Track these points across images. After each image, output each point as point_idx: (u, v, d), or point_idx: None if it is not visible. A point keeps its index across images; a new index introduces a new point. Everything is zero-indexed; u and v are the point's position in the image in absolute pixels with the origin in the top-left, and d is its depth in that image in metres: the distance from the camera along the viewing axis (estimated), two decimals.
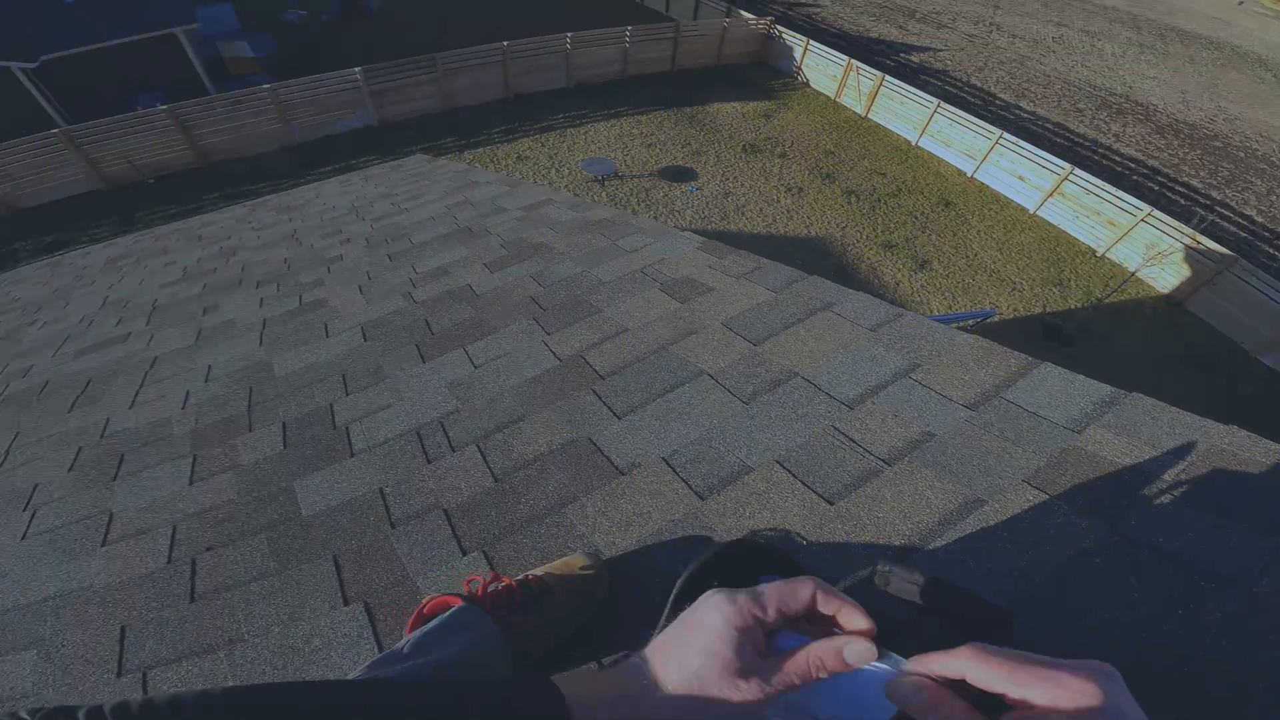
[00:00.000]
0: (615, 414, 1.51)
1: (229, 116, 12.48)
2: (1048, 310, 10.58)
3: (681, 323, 1.81)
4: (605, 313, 1.95)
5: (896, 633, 0.73)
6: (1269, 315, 10.00)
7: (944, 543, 1.12)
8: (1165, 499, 1.16)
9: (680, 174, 12.78)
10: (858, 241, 11.54)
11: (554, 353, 1.81)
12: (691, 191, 12.28)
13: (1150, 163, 16.38)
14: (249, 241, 3.96)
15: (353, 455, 1.60)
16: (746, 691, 0.48)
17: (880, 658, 0.50)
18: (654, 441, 1.41)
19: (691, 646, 0.51)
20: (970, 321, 8.08)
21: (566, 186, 11.97)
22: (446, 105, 14.55)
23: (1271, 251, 13.66)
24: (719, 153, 13.67)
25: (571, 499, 1.32)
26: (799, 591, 0.52)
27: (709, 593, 0.54)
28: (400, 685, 0.52)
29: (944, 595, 0.74)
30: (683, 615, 0.55)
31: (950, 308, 10.30)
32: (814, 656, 0.49)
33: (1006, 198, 13.38)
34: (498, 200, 3.43)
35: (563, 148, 13.32)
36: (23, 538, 1.61)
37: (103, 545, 1.51)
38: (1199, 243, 10.62)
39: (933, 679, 0.46)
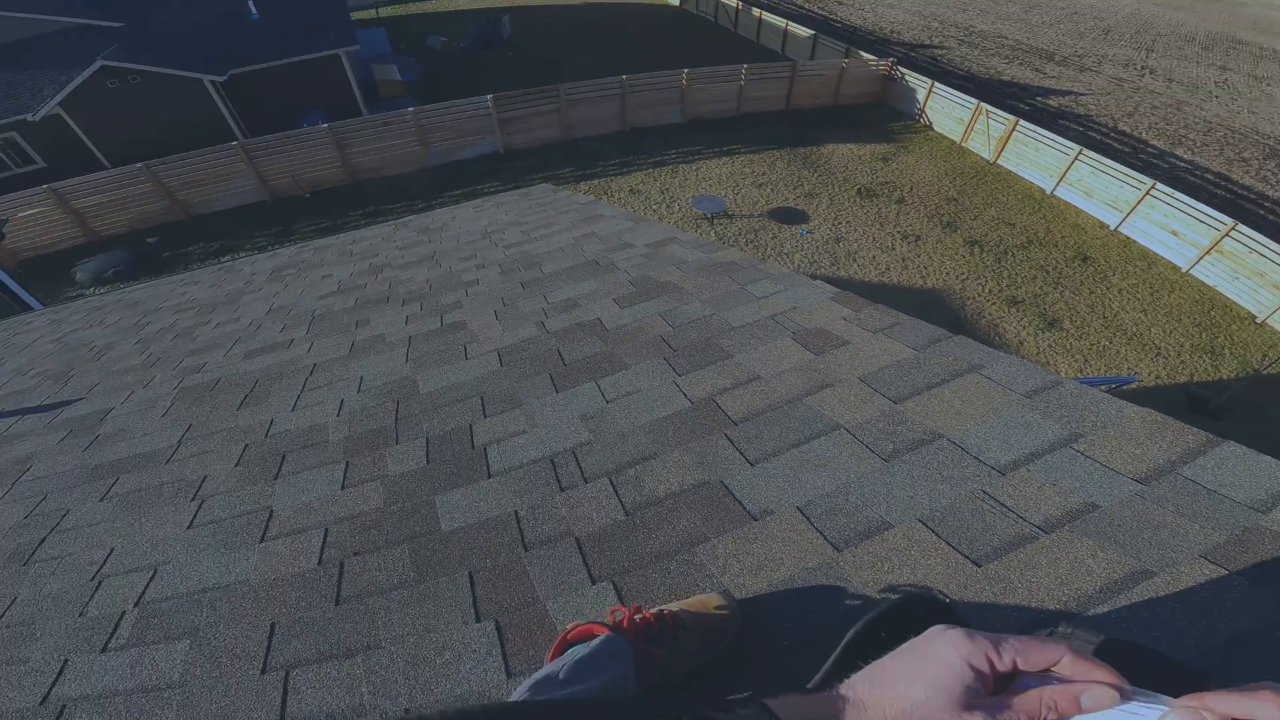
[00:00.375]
0: (748, 460, 1.52)
1: (378, 137, 13.76)
2: (1195, 379, 9.56)
3: (816, 374, 1.80)
4: (736, 358, 1.98)
5: None
6: None
7: (1106, 610, 1.06)
8: None
9: (791, 215, 12.65)
10: (978, 295, 10.89)
11: (685, 394, 1.85)
12: (801, 235, 12.09)
13: None
14: (394, 260, 4.32)
15: (490, 476, 1.68)
16: None
17: (1133, 698, 0.47)
18: (787, 490, 1.41)
19: (918, 677, 0.50)
20: (1105, 387, 7.38)
21: (675, 222, 12.18)
22: (566, 135, 15.32)
23: None
24: (832, 195, 13.43)
25: (702, 539, 1.34)
26: (1048, 651, 0.50)
27: (940, 627, 0.53)
28: (622, 703, 0.55)
29: (1131, 657, 0.69)
30: (908, 645, 0.54)
31: (1082, 371, 9.51)
32: (1047, 697, 0.47)
33: (1155, 254, 12.27)
34: (623, 235, 3.57)
35: (674, 183, 13.60)
36: (189, 527, 1.77)
37: (261, 541, 1.64)
38: None
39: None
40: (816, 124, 16.50)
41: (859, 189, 13.68)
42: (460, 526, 1.51)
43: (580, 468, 1.64)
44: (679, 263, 2.93)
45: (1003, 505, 1.28)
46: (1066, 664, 0.49)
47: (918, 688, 0.49)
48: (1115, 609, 1.06)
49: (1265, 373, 9.50)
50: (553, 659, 0.95)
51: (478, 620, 1.23)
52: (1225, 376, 9.63)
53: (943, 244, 12.12)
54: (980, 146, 15.41)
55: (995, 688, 0.50)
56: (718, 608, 1.12)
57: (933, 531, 1.25)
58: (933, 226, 12.62)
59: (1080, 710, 0.47)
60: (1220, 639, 0.97)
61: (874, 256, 11.63)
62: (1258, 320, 10.76)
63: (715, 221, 12.30)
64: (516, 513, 1.52)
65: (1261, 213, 14.22)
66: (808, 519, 1.33)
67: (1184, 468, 1.30)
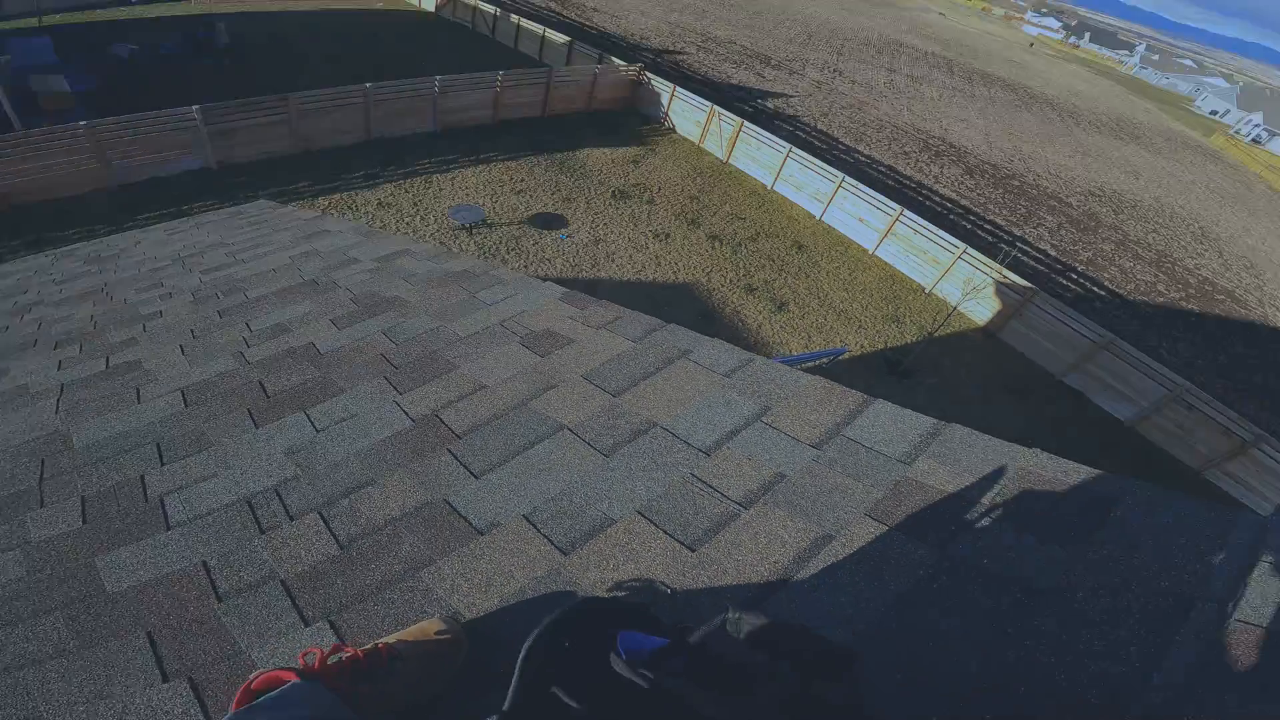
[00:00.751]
0: (473, 473, 1.44)
1: (36, 154, 10.95)
2: (889, 346, 11.62)
3: (541, 377, 1.78)
4: (462, 369, 1.88)
5: (754, 676, 0.74)
6: (1067, 342, 11.64)
7: (801, 579, 1.17)
8: (986, 521, 1.28)
9: (551, 221, 12.83)
10: (722, 285, 12.08)
11: (406, 413, 1.70)
12: (562, 239, 12.33)
13: (963, 202, 18.80)
14: (49, 296, 3.45)
15: (169, 529, 1.42)
16: None
17: None
18: (514, 499, 1.36)
19: None
20: (824, 360, 8.69)
21: (433, 235, 11.62)
22: (300, 147, 13.68)
23: (1064, 282, 16.08)
24: (589, 199, 13.91)
25: (427, 562, 1.24)
26: None
27: None
28: None
29: (788, 638, 0.75)
30: None
31: (806, 347, 11.01)
32: None
33: (849, 239, 14.60)
34: (349, 251, 3.25)
35: (428, 194, 12.95)
36: None
37: None
38: (1005, 277, 12.19)
39: None
40: (572, 129, 16.92)
41: (613, 191, 14.34)
42: (131, 586, 1.28)
43: (285, 505, 1.43)
44: (408, 276, 2.73)
45: (709, 486, 1.36)
46: None
47: None
48: (807, 578, 1.17)
49: (936, 334, 11.84)
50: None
51: (165, 680, 1.08)
52: (909, 341, 11.83)
53: (689, 240, 13.24)
54: (715, 147, 17.08)
55: None
56: (439, 633, 1.04)
57: (651, 522, 1.28)
58: (680, 224, 13.72)
59: None
60: (891, 598, 1.12)
61: (631, 256, 12.30)
62: (926, 291, 13.43)
63: (475, 231, 11.98)
64: (205, 563, 1.30)
65: (920, 199, 17.85)
66: (535, 526, 1.29)
67: (846, 429, 1.51)
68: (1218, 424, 10.36)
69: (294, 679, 0.85)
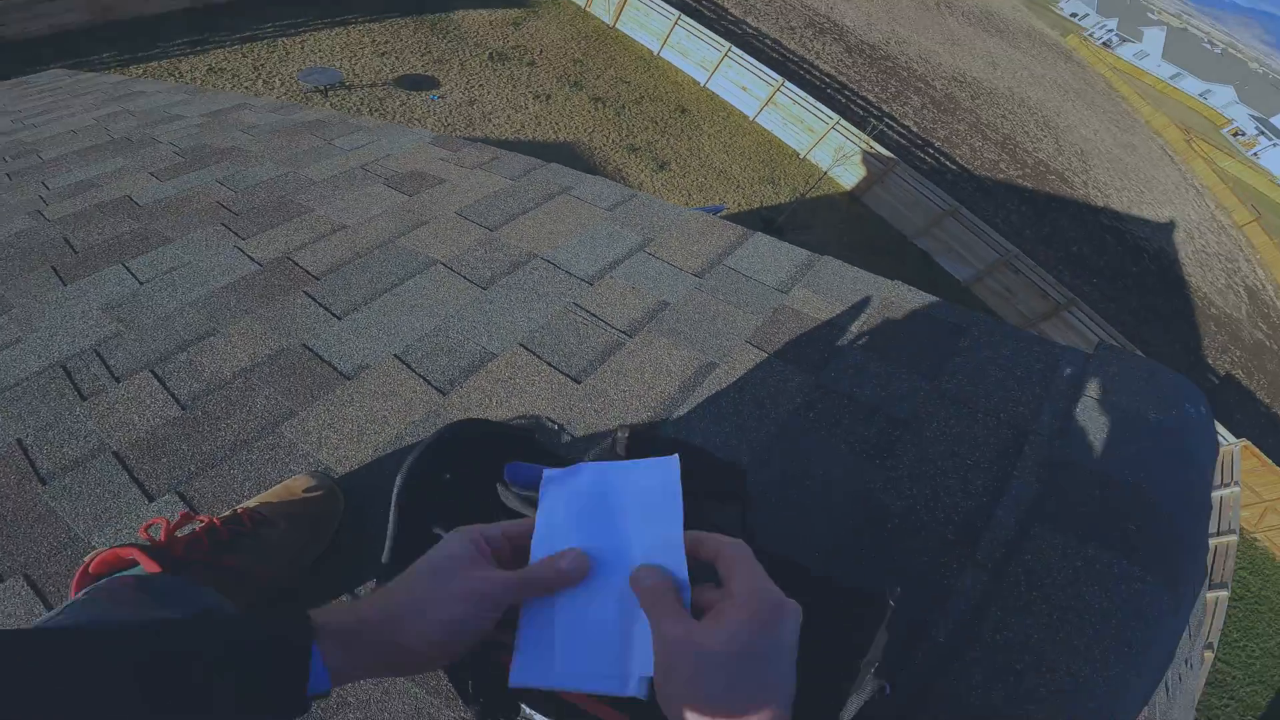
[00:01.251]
0: (335, 314, 1.32)
1: None
2: (764, 205, 12.21)
3: (410, 215, 1.62)
4: (318, 212, 1.68)
5: None
6: (920, 208, 12.63)
7: (687, 410, 1.19)
8: (855, 349, 1.36)
9: (419, 83, 11.64)
10: (604, 145, 11.93)
11: (251, 257, 1.51)
12: (433, 100, 11.32)
13: (840, 78, 19.00)
14: None
15: None
16: (473, 577, 0.48)
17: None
18: (383, 339, 1.27)
19: (432, 562, 0.50)
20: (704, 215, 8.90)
21: (280, 99, 10.12)
22: (102, 17, 10.95)
23: (922, 155, 17.09)
24: (464, 61, 12.74)
25: (287, 415, 1.14)
26: (524, 530, 0.54)
27: (450, 534, 0.53)
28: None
29: (688, 457, 0.76)
30: (423, 562, 0.51)
31: (687, 203, 11.30)
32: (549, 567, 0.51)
33: (732, 106, 14.64)
34: (171, 109, 2.72)
35: (272, 59, 11.10)
36: None
37: None
38: (872, 147, 12.84)
39: None
40: None
41: (491, 54, 13.22)
42: None
43: (108, 366, 1.25)
44: (248, 128, 2.35)
45: (593, 315, 1.34)
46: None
47: (438, 563, 0.49)
48: (694, 407, 1.18)
49: (808, 196, 12.51)
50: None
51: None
52: (783, 201, 12.44)
53: (571, 101, 12.71)
54: (602, 11, 15.96)
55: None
56: (308, 490, 0.95)
57: (534, 354, 1.25)
58: (561, 86, 13.07)
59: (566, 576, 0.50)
60: (773, 427, 1.16)
61: (509, 116, 11.64)
62: (801, 156, 13.95)
63: (330, 93, 10.60)
64: (20, 440, 1.12)
65: (801, 73, 17.84)
66: (408, 366, 1.22)
67: (727, 259, 1.52)
68: (1037, 287, 11.82)
69: (136, 555, 0.74)
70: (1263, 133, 49.96)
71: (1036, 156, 21.23)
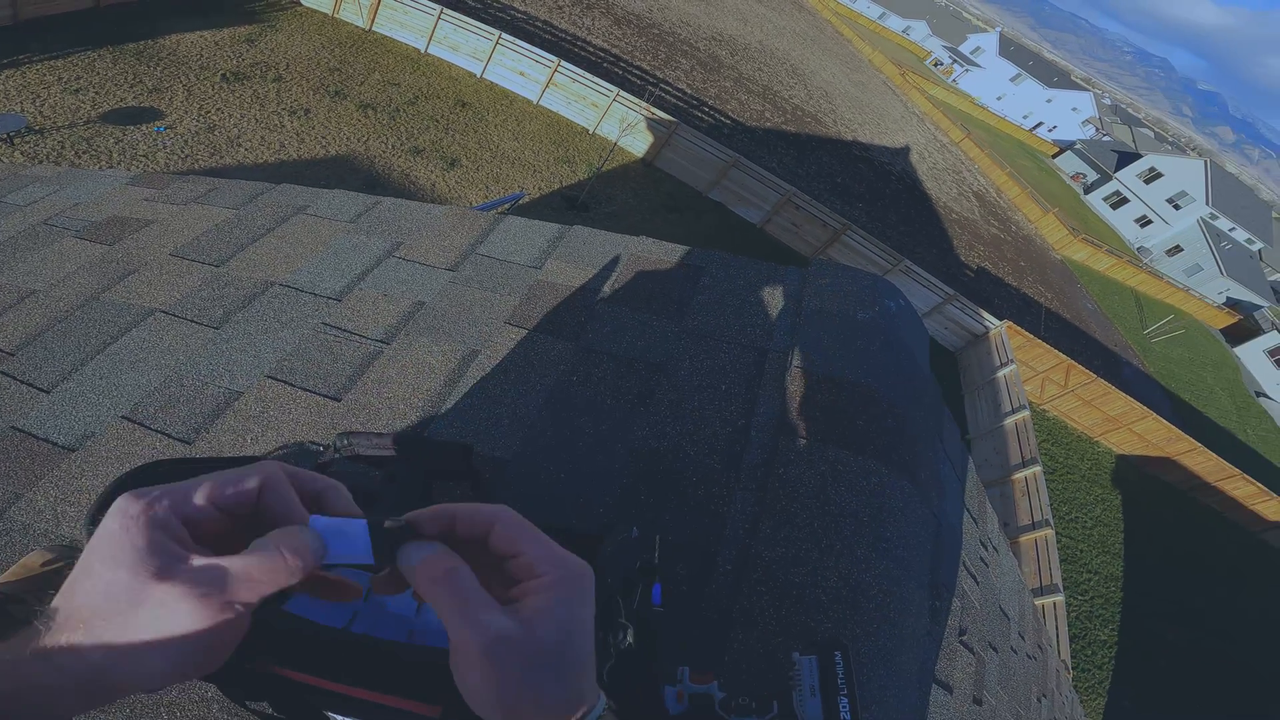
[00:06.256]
0: (40, 389, 1.17)
1: None
2: (564, 185, 12.37)
3: (114, 266, 1.45)
4: None
5: (377, 492, 0.78)
6: (707, 163, 13.52)
7: (455, 401, 1.20)
8: (609, 308, 1.45)
9: (136, 115, 9.96)
10: (384, 152, 11.21)
11: None
12: (158, 132, 9.78)
13: (614, 50, 19.47)
14: None
15: None
16: (175, 594, 0.36)
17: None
18: (104, 403, 1.15)
19: (96, 561, 0.37)
20: (505, 206, 8.74)
21: None
22: None
23: (699, 115, 18.19)
24: (189, 86, 11.07)
25: (13, 499, 1.02)
26: (244, 481, 0.41)
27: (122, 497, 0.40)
28: None
29: (408, 447, 0.80)
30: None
31: (485, 196, 11.09)
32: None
33: (513, 92, 14.49)
34: None
35: None
36: None
37: None
38: (653, 113, 13.43)
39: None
40: (143, 16, 12.70)
41: (223, 75, 11.63)
42: None
43: None
44: None
45: (345, 330, 1.31)
46: (270, 491, 0.42)
47: (97, 573, 0.37)
48: (461, 398, 1.20)
49: (604, 170, 12.79)
50: None
51: None
52: (581, 178, 12.66)
53: (335, 112, 11.66)
54: (353, 15, 14.71)
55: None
56: (45, 563, 0.89)
57: (285, 383, 1.20)
58: (321, 97, 11.92)
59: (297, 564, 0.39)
60: (540, 399, 1.21)
61: (262, 137, 10.39)
62: (590, 132, 14.24)
63: (18, 140, 8.78)
64: None
65: (576, 50, 17.99)
66: (141, 424, 1.11)
67: (480, 247, 1.55)
68: (817, 219, 13.24)
69: None
70: (955, 61, 59.35)
71: (793, 103, 23.49)
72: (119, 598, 0.36)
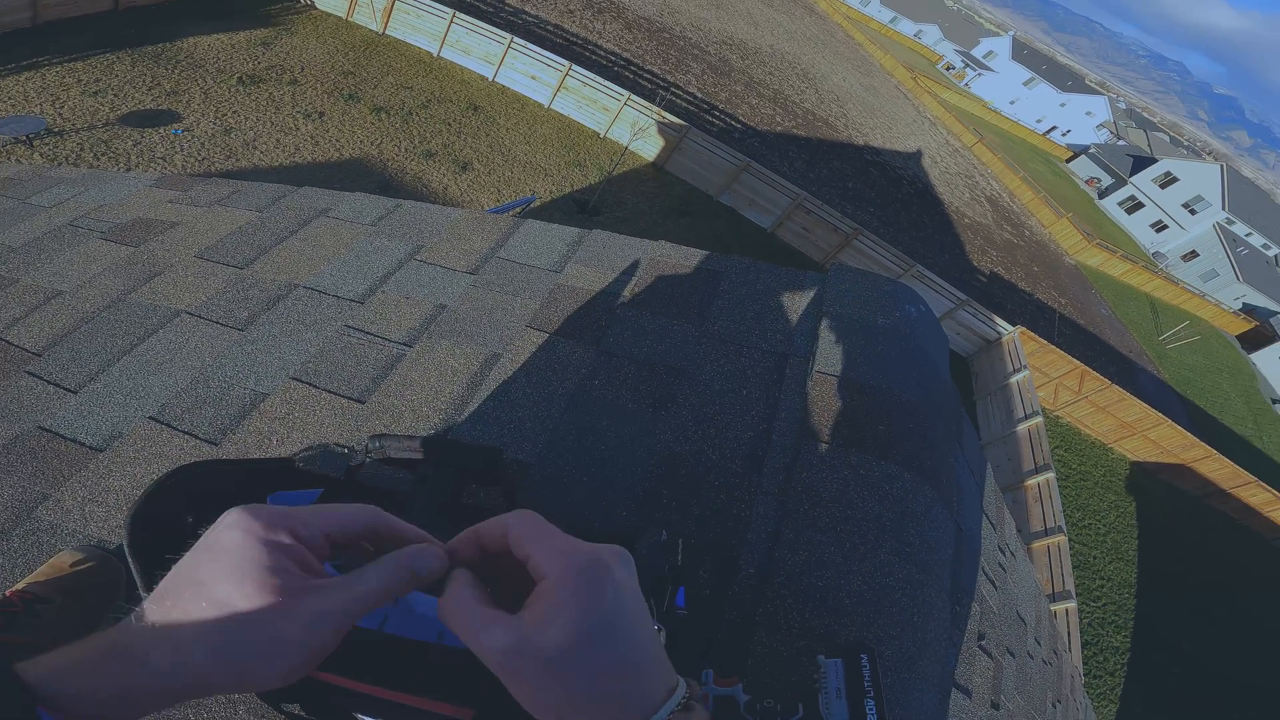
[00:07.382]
0: (68, 389, 1.19)
1: None
2: (575, 188, 12.41)
3: (139, 268, 1.47)
4: (24, 281, 1.47)
5: (407, 495, 0.78)
6: (717, 167, 13.54)
7: (477, 404, 1.22)
8: (629, 312, 1.47)
9: (154, 118, 10.12)
10: (397, 156, 11.31)
11: None
12: (176, 134, 9.91)
13: (624, 54, 19.55)
14: None
15: None
16: (295, 611, 0.38)
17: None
18: (132, 404, 1.17)
19: (206, 572, 0.38)
20: (517, 209, 8.80)
21: None
22: None
23: (710, 119, 18.20)
24: (206, 89, 11.22)
25: (40, 499, 1.04)
26: (356, 517, 0.44)
27: (231, 510, 0.42)
28: None
29: (438, 450, 0.80)
30: (200, 541, 0.41)
31: (497, 200, 11.13)
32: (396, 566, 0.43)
33: (525, 96, 14.58)
34: None
35: None
36: None
37: None
38: (664, 117, 13.45)
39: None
40: (162, 19, 12.91)
41: (240, 78, 11.78)
42: None
43: None
44: None
45: (369, 333, 1.32)
46: (383, 528, 0.46)
47: (210, 583, 0.38)
48: (484, 401, 1.21)
49: (615, 173, 12.86)
50: None
51: None
52: (593, 182, 12.70)
53: (349, 116, 11.80)
54: (367, 19, 14.87)
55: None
56: (75, 564, 0.92)
57: (310, 385, 1.21)
58: (335, 101, 12.07)
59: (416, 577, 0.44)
60: (563, 401, 1.22)
61: (278, 140, 10.52)
62: (601, 136, 14.29)
63: (37, 142, 8.93)
64: None
65: (587, 54, 18.08)
66: (168, 425, 1.13)
67: (500, 251, 1.56)
68: (828, 223, 13.20)
69: None
70: (968, 65, 59.07)
71: (804, 107, 23.47)
72: (235, 607, 0.37)
